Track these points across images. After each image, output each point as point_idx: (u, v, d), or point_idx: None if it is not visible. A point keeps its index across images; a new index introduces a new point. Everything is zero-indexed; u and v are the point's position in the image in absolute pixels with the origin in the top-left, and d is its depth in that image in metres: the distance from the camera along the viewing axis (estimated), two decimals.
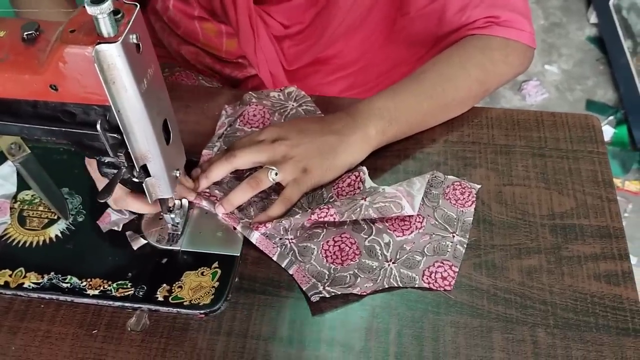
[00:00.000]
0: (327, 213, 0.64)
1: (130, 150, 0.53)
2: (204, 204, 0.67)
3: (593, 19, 2.16)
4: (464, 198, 0.68)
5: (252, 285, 0.63)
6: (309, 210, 0.65)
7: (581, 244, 0.66)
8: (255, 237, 0.64)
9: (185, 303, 0.61)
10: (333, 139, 0.69)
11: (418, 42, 0.87)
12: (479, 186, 0.69)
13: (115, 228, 0.67)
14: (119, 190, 0.63)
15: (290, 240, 0.65)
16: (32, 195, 0.70)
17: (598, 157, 0.73)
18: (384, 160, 0.73)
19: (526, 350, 0.59)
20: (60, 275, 0.63)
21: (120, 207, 0.65)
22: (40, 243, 0.66)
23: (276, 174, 0.66)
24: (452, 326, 0.60)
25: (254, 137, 0.71)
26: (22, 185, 0.71)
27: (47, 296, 0.62)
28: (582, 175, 0.72)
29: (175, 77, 0.97)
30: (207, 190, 0.68)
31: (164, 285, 0.62)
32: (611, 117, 1.93)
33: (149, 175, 0.57)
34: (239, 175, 0.70)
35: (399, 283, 0.62)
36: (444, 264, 0.63)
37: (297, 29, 0.88)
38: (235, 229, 0.66)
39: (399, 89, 0.74)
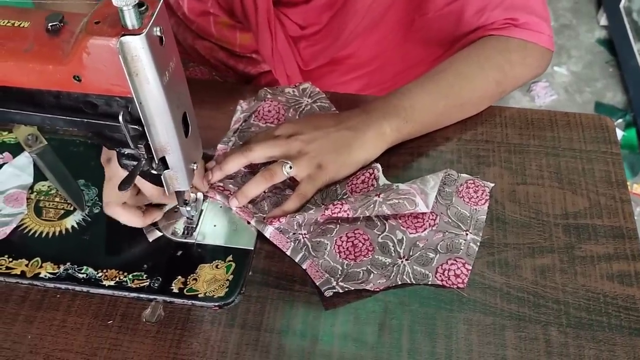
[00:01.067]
0: (340, 209, 0.64)
1: (150, 142, 0.54)
2: (218, 197, 0.67)
3: (603, 21, 2.16)
4: (477, 196, 0.68)
5: (266, 279, 0.64)
6: (323, 205, 0.65)
7: (594, 244, 0.66)
8: (269, 231, 0.65)
9: (199, 295, 0.62)
10: (348, 135, 0.70)
11: (435, 43, 0.87)
12: (492, 184, 0.70)
13: None
14: (114, 195, 0.63)
15: (304, 235, 0.65)
16: (48, 186, 0.71)
17: (612, 157, 0.74)
18: (398, 158, 0.73)
19: (539, 349, 0.59)
20: (76, 266, 0.64)
21: (109, 213, 0.64)
22: (57, 234, 0.67)
23: (290, 168, 0.66)
24: (465, 323, 0.60)
25: (270, 132, 0.71)
26: (38, 176, 0.71)
27: (63, 286, 0.63)
28: (596, 175, 0.72)
29: (189, 73, 0.97)
30: (221, 184, 0.68)
31: (179, 277, 0.63)
32: (620, 120, 1.93)
33: (167, 167, 0.57)
34: (252, 170, 0.70)
35: (412, 280, 0.63)
36: (457, 261, 0.63)
37: (314, 30, 0.88)
38: (249, 223, 0.66)
39: (415, 88, 0.74)
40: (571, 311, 0.61)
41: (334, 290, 0.61)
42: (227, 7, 0.90)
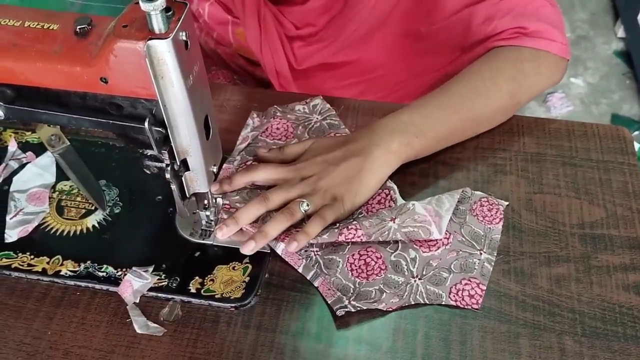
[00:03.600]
0: (354, 234, 0.64)
1: (172, 144, 0.55)
2: (225, 217, 0.67)
3: (620, 33, 2.15)
4: (491, 215, 0.68)
5: (282, 281, 0.64)
6: (337, 230, 0.65)
7: (610, 254, 0.66)
8: (280, 248, 0.65)
9: (216, 296, 0.62)
10: (356, 161, 0.68)
11: (442, 52, 0.86)
12: (506, 203, 0.69)
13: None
14: None
15: (316, 253, 0.65)
16: (70, 186, 0.72)
17: (629, 168, 0.74)
18: (414, 166, 0.74)
19: (553, 358, 0.59)
20: (96, 264, 0.65)
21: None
22: (78, 232, 0.68)
23: (307, 205, 0.66)
24: (480, 331, 0.61)
25: (282, 175, 0.70)
26: (60, 175, 0.73)
27: (83, 284, 0.64)
28: (613, 186, 0.72)
29: (211, 76, 0.99)
30: (228, 203, 0.68)
31: (197, 277, 0.64)
32: (636, 132, 1.92)
33: (188, 169, 0.58)
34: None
35: (425, 300, 0.62)
36: (471, 281, 0.63)
37: (309, 31, 0.88)
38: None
39: (425, 103, 0.73)
40: (586, 321, 0.61)
41: (346, 310, 0.61)
42: (225, 0, 0.91)
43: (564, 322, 0.61)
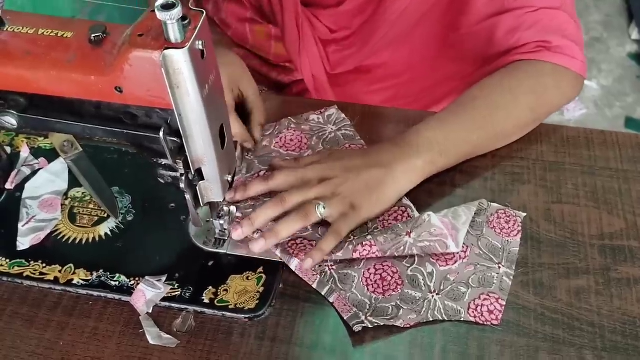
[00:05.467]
0: (369, 251, 0.63)
1: (187, 153, 0.54)
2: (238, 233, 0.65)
3: (635, 35, 2.13)
4: (509, 227, 0.67)
5: (296, 292, 0.63)
6: (351, 247, 0.64)
7: (631, 266, 0.65)
8: (294, 264, 0.64)
9: (230, 307, 0.61)
10: (379, 173, 0.68)
11: (466, 60, 0.86)
12: (524, 214, 0.68)
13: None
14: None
15: (330, 267, 0.64)
16: (82, 193, 0.71)
17: None
18: None
19: None
20: (108, 273, 0.64)
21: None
22: (90, 240, 0.67)
23: (324, 208, 0.65)
24: (498, 344, 0.60)
25: (298, 177, 0.69)
26: (73, 182, 0.72)
27: (95, 293, 0.63)
28: (633, 196, 0.71)
29: None
30: (240, 215, 0.68)
31: (210, 287, 0.63)
32: None
33: (202, 178, 0.57)
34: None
35: (444, 316, 0.61)
36: (490, 296, 0.62)
37: (344, 34, 0.88)
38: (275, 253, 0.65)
39: (448, 119, 0.72)
40: (606, 335, 0.60)
41: (363, 325, 0.60)
42: (257, 4, 0.91)
43: (584, 336, 0.60)
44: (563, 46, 0.75)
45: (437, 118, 0.72)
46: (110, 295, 0.63)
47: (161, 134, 0.51)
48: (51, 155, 0.75)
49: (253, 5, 0.92)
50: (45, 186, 0.72)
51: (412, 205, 0.69)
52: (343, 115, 0.79)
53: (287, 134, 0.76)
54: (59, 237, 0.68)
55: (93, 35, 0.50)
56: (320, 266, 0.64)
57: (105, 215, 0.69)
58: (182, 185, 0.56)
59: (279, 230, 0.64)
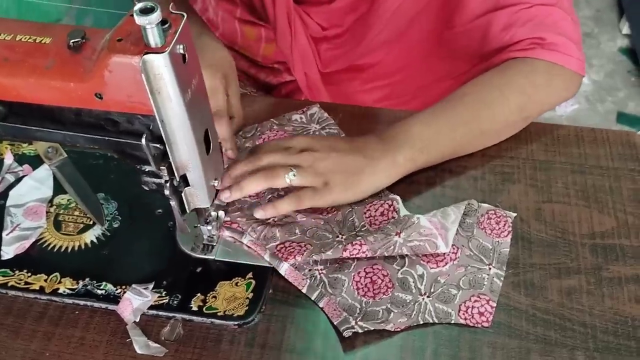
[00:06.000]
0: (359, 250, 0.62)
1: (171, 160, 0.53)
2: (227, 233, 0.66)
3: (626, 29, 2.13)
4: (499, 228, 0.66)
5: (286, 297, 0.63)
6: (341, 246, 0.63)
7: (622, 265, 0.64)
8: (284, 268, 0.63)
9: (219, 314, 0.61)
10: (360, 161, 0.68)
11: (461, 58, 0.85)
12: (514, 215, 0.68)
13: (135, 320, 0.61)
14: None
15: (320, 271, 0.63)
16: (68, 200, 0.70)
17: None
18: (421, 174, 0.72)
19: None
20: (95, 282, 0.63)
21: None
22: (76, 248, 0.66)
23: (294, 176, 0.65)
24: (490, 346, 0.59)
25: (282, 143, 0.70)
26: (58, 189, 0.71)
27: (81, 302, 0.62)
28: (624, 194, 0.70)
29: None
30: (229, 219, 0.67)
31: (199, 294, 0.62)
32: None
33: (188, 184, 0.57)
34: (259, 200, 0.69)
35: (434, 319, 0.60)
36: (480, 298, 0.61)
37: (335, 32, 0.87)
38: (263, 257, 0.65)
39: (435, 114, 0.72)
40: (598, 335, 0.60)
41: (353, 331, 0.59)
42: (248, 1, 0.90)
43: (576, 337, 0.60)
44: (558, 43, 0.74)
45: (425, 113, 0.72)
46: (96, 304, 0.62)
47: (143, 140, 0.50)
48: (35, 161, 0.73)
49: (244, 2, 0.91)
50: (30, 193, 0.71)
51: (397, 197, 0.69)
52: (326, 114, 0.78)
53: (269, 134, 0.76)
54: (44, 246, 0.67)
55: (72, 40, 0.49)
56: (310, 270, 0.64)
57: (91, 223, 0.68)
58: (166, 192, 0.55)
59: (243, 185, 0.65)
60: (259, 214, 0.66)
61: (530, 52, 0.74)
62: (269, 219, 0.67)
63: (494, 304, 0.61)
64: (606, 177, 0.72)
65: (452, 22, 0.81)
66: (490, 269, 0.63)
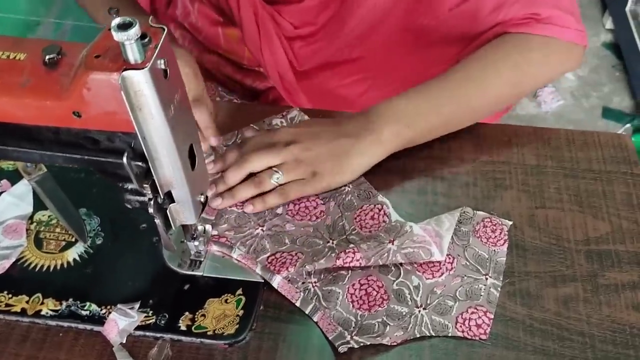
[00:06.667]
0: (352, 258, 0.61)
1: (155, 177, 0.51)
2: (215, 248, 0.64)
3: (609, 24, 2.13)
4: (495, 236, 0.65)
5: (278, 313, 0.61)
6: (334, 255, 0.62)
7: (618, 272, 0.63)
8: (277, 281, 0.61)
9: (208, 333, 0.59)
10: (346, 142, 0.68)
11: (450, 42, 0.83)
12: (510, 222, 0.66)
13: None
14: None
15: (314, 284, 0.62)
16: (48, 216, 0.68)
17: (632, 179, 0.71)
18: (412, 182, 0.71)
19: None
20: (79, 302, 0.61)
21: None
22: (58, 267, 0.64)
23: (278, 178, 0.67)
24: (488, 359, 0.58)
25: (267, 138, 0.70)
26: (38, 205, 0.69)
27: (65, 324, 0.60)
28: (617, 198, 0.69)
29: None
30: (217, 233, 0.65)
31: (187, 313, 0.60)
32: (627, 125, 1.90)
33: (173, 201, 0.55)
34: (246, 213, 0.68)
35: (431, 332, 0.59)
36: (477, 309, 0.60)
37: (309, 30, 0.86)
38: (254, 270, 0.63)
39: (424, 90, 0.71)
40: (597, 344, 0.59)
41: (349, 346, 0.58)
42: (215, 2, 0.88)
43: (574, 347, 0.58)
44: (553, 16, 0.72)
45: (411, 90, 0.71)
46: (81, 326, 0.60)
47: (125, 158, 0.48)
48: (14, 177, 0.71)
49: (212, 4, 0.89)
50: (9, 210, 0.69)
51: (387, 201, 0.68)
52: (306, 117, 0.77)
53: None
54: (25, 265, 0.64)
55: (47, 57, 0.47)
56: (303, 283, 0.62)
57: (73, 240, 0.66)
58: (150, 211, 0.53)
59: (234, 192, 0.67)
60: (249, 208, 0.67)
61: (524, 28, 0.73)
62: (257, 228, 0.66)
63: (491, 316, 0.60)
64: (599, 181, 0.71)
65: (434, 13, 0.79)
66: (487, 279, 0.62)
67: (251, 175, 0.69)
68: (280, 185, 0.67)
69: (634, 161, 0.72)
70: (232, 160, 0.70)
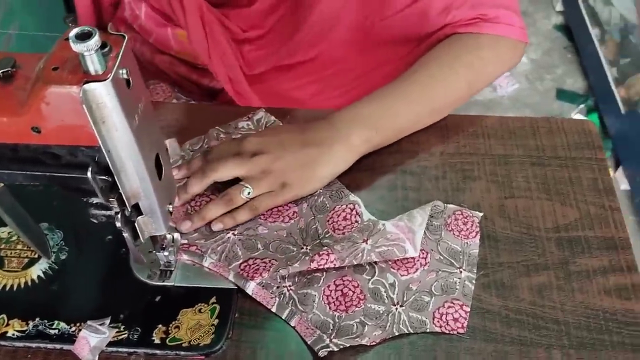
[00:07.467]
0: (327, 260, 0.60)
1: (121, 190, 0.49)
2: (185, 256, 0.63)
3: (559, 6, 2.17)
4: (467, 229, 0.65)
5: (254, 320, 0.60)
6: (308, 258, 0.61)
7: (588, 257, 0.64)
8: (251, 287, 0.60)
9: (184, 344, 0.57)
10: (314, 151, 0.67)
11: (399, 43, 0.84)
12: (481, 214, 0.67)
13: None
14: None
15: (289, 288, 0.61)
16: (8, 233, 0.65)
17: (597, 164, 0.72)
18: (381, 178, 0.70)
19: None
20: (46, 321, 0.59)
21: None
22: (22, 285, 0.62)
23: (249, 193, 0.65)
24: (467, 353, 0.58)
25: (233, 147, 0.68)
26: None
27: (33, 345, 0.58)
28: (583, 183, 0.70)
29: (149, 91, 0.92)
30: (186, 242, 0.64)
31: (160, 326, 0.58)
32: (582, 106, 1.94)
33: (140, 213, 0.53)
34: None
35: (409, 329, 0.59)
36: (454, 303, 0.60)
37: (257, 33, 0.85)
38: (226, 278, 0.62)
39: (387, 93, 0.72)
40: (572, 331, 0.59)
41: (329, 350, 0.57)
42: (157, 6, 0.85)
43: (550, 335, 0.59)
44: (499, 15, 0.75)
45: (376, 93, 0.72)
46: (50, 346, 0.58)
47: (89, 173, 0.46)
48: None
49: (152, 7, 0.87)
50: None
51: (359, 200, 0.67)
52: (273, 118, 0.76)
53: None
54: None
55: (1, 70, 0.44)
56: (278, 287, 0.61)
57: (36, 256, 0.63)
58: (118, 225, 0.51)
59: (204, 213, 0.65)
60: (217, 227, 0.65)
61: (473, 27, 0.75)
62: (229, 232, 0.65)
63: (468, 309, 0.60)
64: (565, 168, 0.72)
65: (384, 12, 0.79)
66: (461, 272, 0.62)
67: (215, 185, 0.67)
68: (251, 199, 0.66)
69: (598, 146, 0.73)
70: (196, 168, 0.68)
